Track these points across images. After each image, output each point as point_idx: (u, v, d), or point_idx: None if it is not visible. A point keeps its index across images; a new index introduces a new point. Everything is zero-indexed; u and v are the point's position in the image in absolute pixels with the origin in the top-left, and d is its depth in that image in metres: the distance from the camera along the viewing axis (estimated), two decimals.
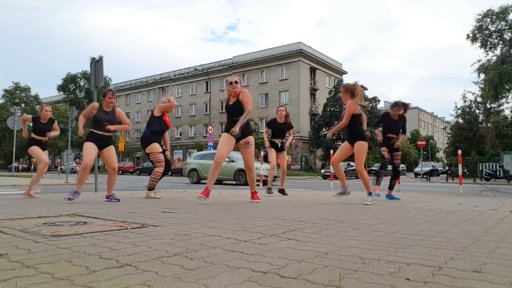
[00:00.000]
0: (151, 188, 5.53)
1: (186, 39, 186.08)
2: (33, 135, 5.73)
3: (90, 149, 4.73)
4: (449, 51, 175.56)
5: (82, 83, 42.05)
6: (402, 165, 27.10)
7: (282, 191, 6.41)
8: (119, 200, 4.83)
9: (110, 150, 4.94)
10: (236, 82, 4.81)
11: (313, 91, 41.92)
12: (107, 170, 5.15)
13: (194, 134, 46.44)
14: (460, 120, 31.93)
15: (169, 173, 27.26)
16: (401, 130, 5.93)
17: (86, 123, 5.27)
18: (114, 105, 5.02)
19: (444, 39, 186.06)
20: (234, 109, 4.79)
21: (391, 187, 5.93)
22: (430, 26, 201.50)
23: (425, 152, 49.22)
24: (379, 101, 40.32)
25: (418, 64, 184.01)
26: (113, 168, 4.98)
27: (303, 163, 38.59)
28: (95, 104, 4.97)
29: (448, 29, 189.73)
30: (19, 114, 23.84)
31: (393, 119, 5.90)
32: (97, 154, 4.95)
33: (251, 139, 4.90)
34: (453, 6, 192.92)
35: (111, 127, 4.84)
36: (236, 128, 4.58)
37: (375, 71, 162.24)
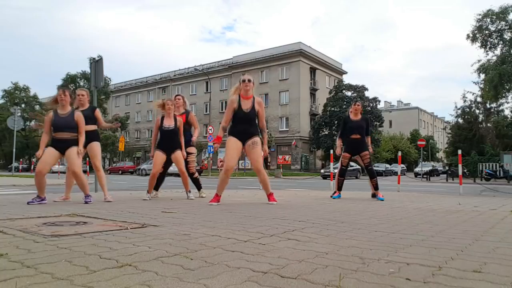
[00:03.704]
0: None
1: (183, 40, 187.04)
2: None
3: (45, 154, 4.49)
4: (446, 51, 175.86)
5: (82, 83, 42.04)
6: (402, 165, 27.13)
7: (375, 195, 6.12)
8: (87, 203, 4.51)
9: (70, 153, 4.52)
10: (249, 81, 4.65)
11: (313, 91, 41.90)
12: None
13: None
14: (460, 120, 31.92)
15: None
16: (366, 132, 5.98)
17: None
18: (67, 103, 4.60)
19: (441, 39, 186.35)
20: (249, 118, 4.66)
21: (376, 188, 5.88)
22: (427, 26, 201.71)
23: (425, 152, 49.23)
24: (379, 101, 40.32)
25: (416, 64, 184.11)
26: (73, 171, 4.61)
27: (303, 163, 38.58)
28: (49, 115, 4.62)
29: (444, 29, 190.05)
30: (19, 114, 23.85)
31: (354, 119, 5.95)
32: (58, 158, 4.62)
33: (257, 139, 4.77)
34: (449, 6, 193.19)
35: (80, 152, 4.56)
36: (266, 148, 4.84)
37: (373, 71, 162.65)
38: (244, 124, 4.70)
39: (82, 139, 4.64)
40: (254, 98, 4.69)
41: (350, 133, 5.93)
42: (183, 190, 7.60)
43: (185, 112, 5.89)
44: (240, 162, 36.78)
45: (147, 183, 5.54)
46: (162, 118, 5.35)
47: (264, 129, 4.87)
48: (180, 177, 5.61)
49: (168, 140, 5.32)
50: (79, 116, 4.66)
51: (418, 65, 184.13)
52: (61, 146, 4.55)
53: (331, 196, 6.10)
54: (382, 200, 5.60)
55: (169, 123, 5.29)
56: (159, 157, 5.32)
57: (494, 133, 29.09)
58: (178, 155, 5.36)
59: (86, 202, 4.54)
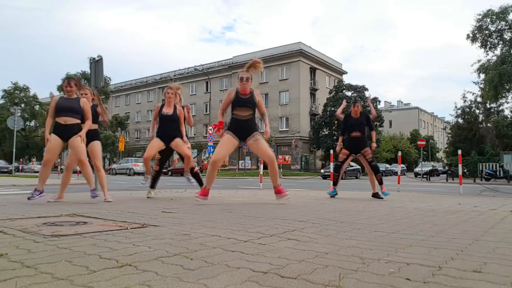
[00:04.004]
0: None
1: (183, 40, 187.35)
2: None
3: (50, 142, 4.42)
4: (446, 51, 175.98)
5: (82, 83, 42.11)
6: (402, 165, 27.13)
7: (376, 195, 6.09)
8: (94, 197, 4.55)
9: (74, 141, 4.44)
10: (247, 79, 4.62)
11: (313, 91, 41.89)
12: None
13: (194, 134, 46.43)
14: (460, 120, 31.92)
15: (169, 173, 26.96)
16: (367, 128, 6.07)
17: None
18: (72, 93, 4.58)
19: (441, 39, 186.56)
20: (249, 103, 4.62)
21: (380, 182, 5.90)
22: (427, 26, 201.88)
23: (425, 152, 49.22)
24: (379, 101, 40.32)
25: (415, 64, 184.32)
26: (79, 160, 4.53)
27: (303, 163, 38.56)
28: (55, 98, 4.59)
29: (444, 29, 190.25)
30: (19, 114, 23.86)
31: (354, 117, 6.02)
32: (62, 146, 4.57)
33: (258, 134, 4.75)
34: (449, 6, 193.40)
35: (82, 136, 4.47)
36: (267, 129, 4.71)
37: (373, 71, 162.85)
38: (244, 113, 4.63)
39: (87, 124, 4.57)
40: (252, 90, 4.69)
41: (350, 131, 5.98)
42: (183, 190, 7.61)
43: (182, 107, 5.89)
44: (240, 162, 36.80)
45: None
46: (162, 105, 5.34)
47: (265, 113, 4.83)
48: (181, 175, 5.63)
49: (167, 127, 5.25)
50: (85, 102, 4.59)
51: (418, 65, 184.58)
52: (64, 134, 4.47)
53: (327, 193, 6.15)
54: (387, 194, 5.64)
55: (168, 110, 5.27)
56: (156, 143, 5.26)
57: (494, 133, 29.09)
58: (178, 141, 5.29)
59: (93, 197, 4.55)
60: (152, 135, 5.41)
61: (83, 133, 4.52)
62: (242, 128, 4.69)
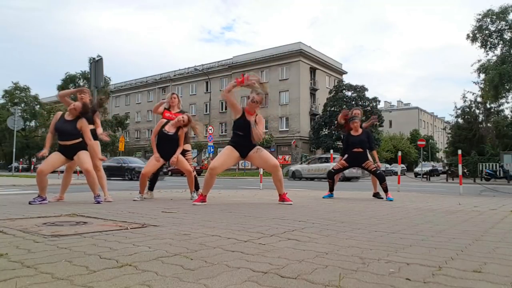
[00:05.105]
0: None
1: (183, 40, 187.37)
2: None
3: (52, 156, 4.54)
4: (446, 51, 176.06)
5: (82, 83, 42.02)
6: (402, 165, 27.13)
7: (376, 195, 6.27)
8: (99, 203, 4.53)
9: (79, 155, 4.58)
10: (257, 102, 4.63)
11: (313, 91, 41.88)
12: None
13: (194, 134, 46.45)
14: (460, 120, 31.90)
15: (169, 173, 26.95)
16: (368, 145, 6.02)
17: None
18: (73, 112, 4.63)
19: (440, 39, 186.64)
20: (250, 128, 4.62)
21: (385, 190, 5.90)
22: (426, 26, 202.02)
23: (425, 152, 49.21)
24: (379, 101, 40.30)
25: (415, 64, 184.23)
26: (85, 170, 4.60)
27: (303, 163, 38.52)
28: (57, 114, 4.69)
29: (444, 29, 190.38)
30: (19, 114, 23.87)
31: (355, 135, 6.00)
32: (64, 162, 4.67)
33: (259, 147, 4.80)
34: (449, 6, 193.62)
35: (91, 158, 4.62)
36: (256, 130, 4.62)
37: (373, 71, 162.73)
38: (244, 135, 4.66)
39: (89, 144, 4.68)
40: (257, 114, 4.69)
41: (352, 148, 6.01)
42: (183, 190, 7.61)
43: (180, 111, 5.86)
44: (240, 162, 36.81)
45: (136, 184, 5.48)
46: (166, 123, 5.31)
47: (258, 131, 4.66)
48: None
49: (166, 146, 5.22)
50: (82, 122, 4.64)
51: (418, 65, 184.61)
52: (68, 153, 4.59)
53: (323, 197, 6.16)
54: (392, 200, 5.63)
55: (170, 130, 5.22)
56: (155, 159, 5.25)
57: (494, 133, 29.07)
58: (179, 158, 5.30)
59: (98, 202, 4.53)
60: (156, 153, 5.26)
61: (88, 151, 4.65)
62: (243, 145, 4.70)
